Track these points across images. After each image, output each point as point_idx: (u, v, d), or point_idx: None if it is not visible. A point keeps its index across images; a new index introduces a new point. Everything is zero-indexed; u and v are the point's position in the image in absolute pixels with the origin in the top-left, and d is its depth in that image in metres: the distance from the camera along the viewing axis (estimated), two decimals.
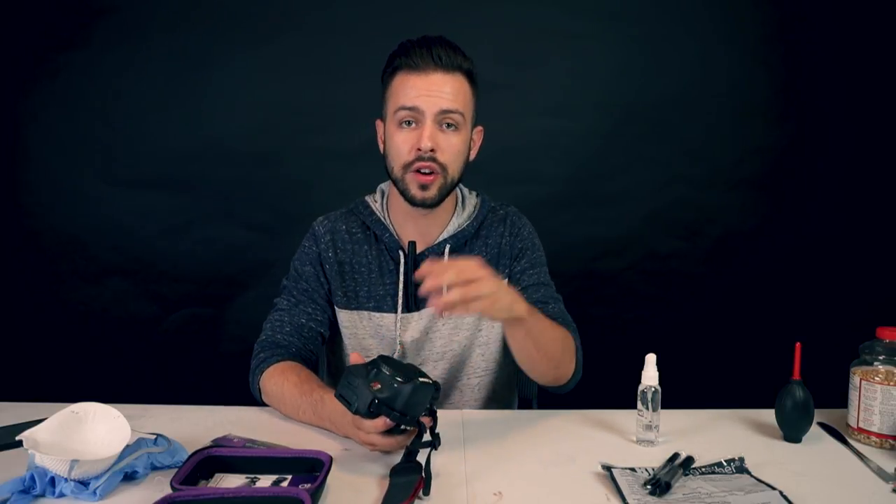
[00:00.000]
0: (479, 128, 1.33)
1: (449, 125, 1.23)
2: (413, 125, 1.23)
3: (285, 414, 1.22)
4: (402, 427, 0.97)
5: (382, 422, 0.97)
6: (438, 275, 0.97)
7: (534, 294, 1.34)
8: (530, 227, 1.42)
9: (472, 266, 1.00)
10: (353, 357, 1.03)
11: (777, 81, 2.26)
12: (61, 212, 2.24)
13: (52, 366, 2.23)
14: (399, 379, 0.94)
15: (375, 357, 0.99)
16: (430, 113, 1.21)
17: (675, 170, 2.27)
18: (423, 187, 1.24)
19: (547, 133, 2.24)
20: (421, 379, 0.95)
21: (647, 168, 2.26)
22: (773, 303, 2.27)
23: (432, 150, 1.21)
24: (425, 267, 0.98)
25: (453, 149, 1.24)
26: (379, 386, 0.94)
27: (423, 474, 0.93)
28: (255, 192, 2.24)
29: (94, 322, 2.26)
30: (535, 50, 2.22)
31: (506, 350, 1.41)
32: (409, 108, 1.22)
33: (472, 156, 1.33)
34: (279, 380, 1.23)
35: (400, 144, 1.24)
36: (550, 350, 1.18)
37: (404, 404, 0.94)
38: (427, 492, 0.92)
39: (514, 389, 1.49)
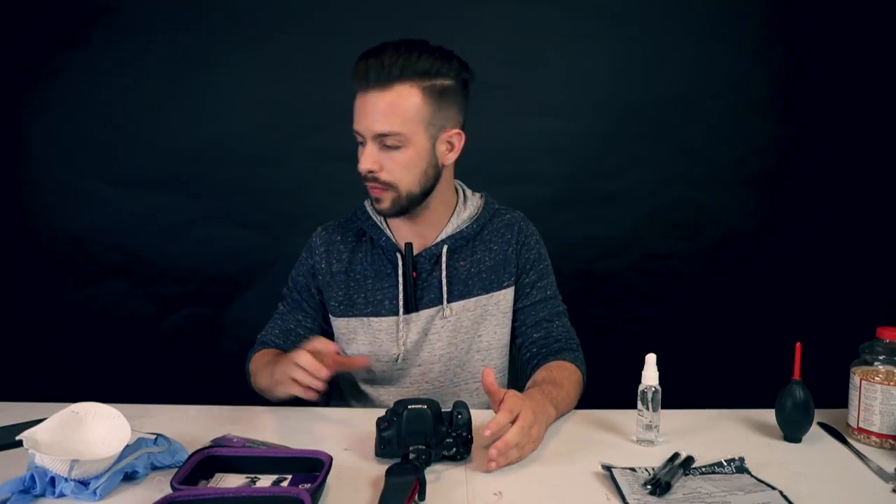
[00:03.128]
0: (454, 131, 1.26)
1: (389, 146, 1.21)
2: (361, 145, 1.25)
3: (260, 387, 1.26)
4: (412, 459, 0.98)
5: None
6: (505, 439, 1.00)
7: (540, 312, 1.36)
8: (537, 236, 1.41)
9: (527, 418, 1.03)
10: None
11: (777, 81, 2.26)
12: (61, 212, 2.24)
13: (52, 366, 2.23)
14: (395, 411, 1.02)
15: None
16: (367, 135, 1.21)
17: (675, 170, 2.27)
18: (377, 200, 1.27)
19: (547, 133, 2.24)
20: (410, 406, 1.02)
21: (647, 168, 2.26)
22: (773, 303, 2.27)
23: (371, 171, 1.22)
24: (490, 429, 0.99)
25: (398, 166, 1.22)
26: (385, 424, 1.02)
27: (419, 478, 0.93)
28: (255, 192, 2.24)
29: (94, 322, 2.26)
30: (535, 50, 2.22)
31: (506, 356, 1.42)
32: (355, 131, 1.24)
33: (451, 159, 1.28)
34: (267, 356, 1.29)
35: (358, 163, 1.26)
36: (570, 409, 1.25)
37: (405, 434, 1.00)
38: (423, 496, 0.91)
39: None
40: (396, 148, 1.21)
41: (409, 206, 1.27)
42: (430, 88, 1.20)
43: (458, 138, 1.28)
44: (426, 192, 1.28)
